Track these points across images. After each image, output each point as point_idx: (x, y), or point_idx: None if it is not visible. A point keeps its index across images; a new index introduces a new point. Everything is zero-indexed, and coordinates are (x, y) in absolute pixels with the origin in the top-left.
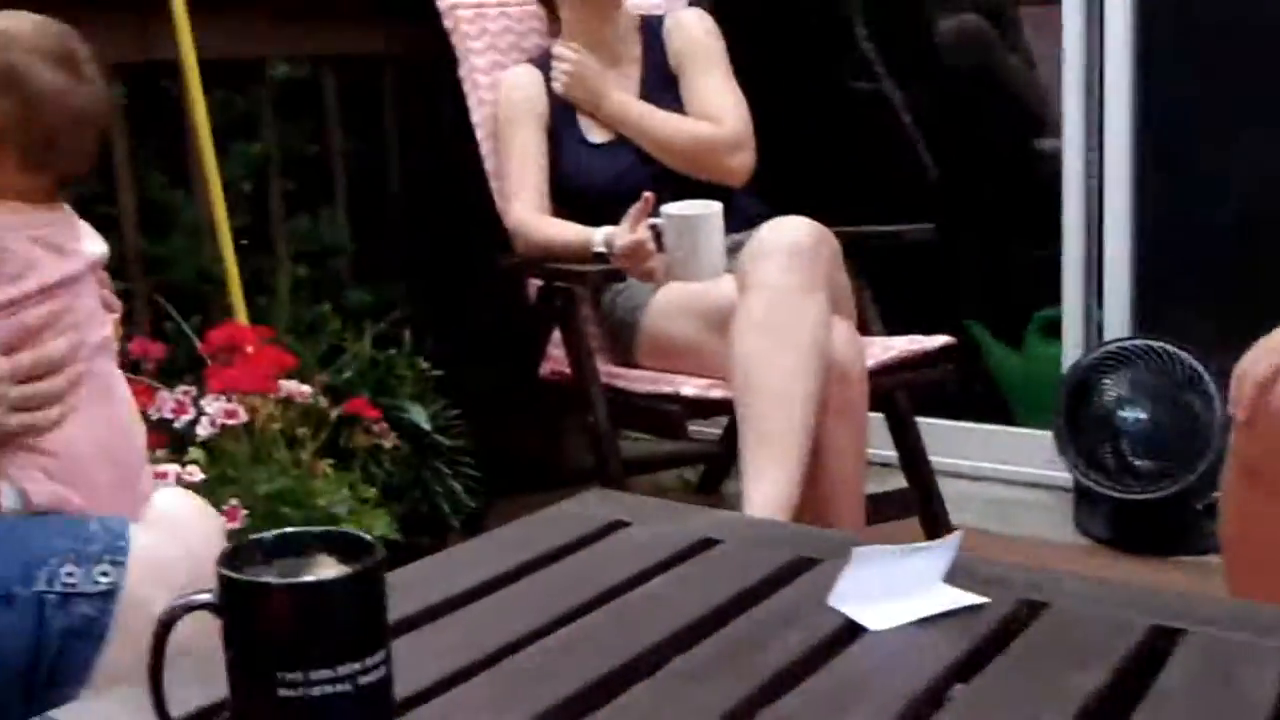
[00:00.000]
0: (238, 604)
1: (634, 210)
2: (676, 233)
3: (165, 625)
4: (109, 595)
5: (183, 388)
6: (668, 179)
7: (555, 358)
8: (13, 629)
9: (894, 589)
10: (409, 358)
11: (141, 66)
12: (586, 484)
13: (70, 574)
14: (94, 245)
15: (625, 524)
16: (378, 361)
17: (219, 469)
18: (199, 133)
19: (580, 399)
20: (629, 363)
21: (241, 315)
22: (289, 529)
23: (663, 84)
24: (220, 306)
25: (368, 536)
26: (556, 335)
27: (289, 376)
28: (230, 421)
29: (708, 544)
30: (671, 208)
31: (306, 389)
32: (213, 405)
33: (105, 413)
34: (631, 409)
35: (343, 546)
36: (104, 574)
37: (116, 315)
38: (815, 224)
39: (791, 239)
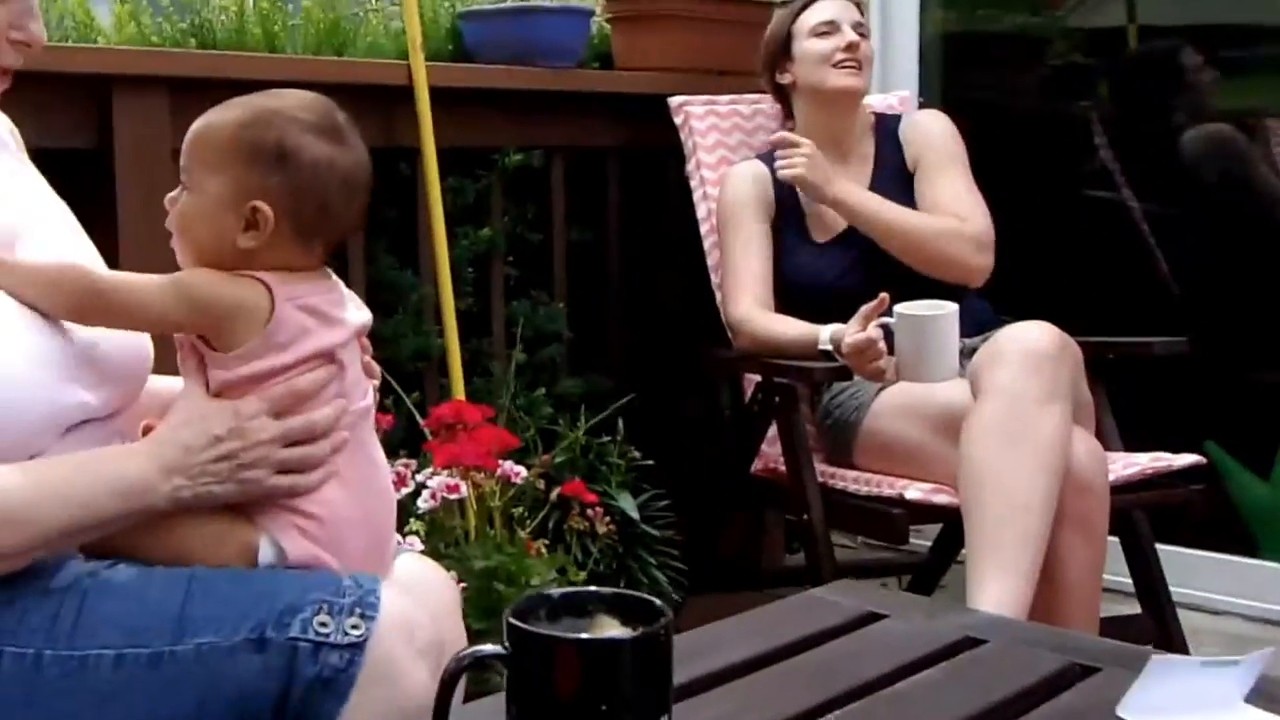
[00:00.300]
0: (527, 657)
1: (867, 308)
2: (909, 333)
3: (454, 675)
4: (358, 648)
5: (403, 460)
6: (892, 279)
7: (768, 455)
8: (264, 673)
9: (1192, 704)
10: (620, 446)
11: (381, 151)
12: (788, 586)
13: (323, 624)
14: (358, 314)
15: (880, 616)
16: (589, 448)
17: (436, 542)
18: (432, 216)
19: (793, 498)
20: (845, 463)
21: (460, 394)
22: (576, 588)
23: (896, 184)
24: (436, 385)
25: (656, 601)
26: (771, 432)
27: (506, 457)
28: (452, 495)
29: (971, 643)
30: (905, 307)
31: (522, 470)
32: (434, 479)
33: (364, 479)
34: (848, 510)
35: (626, 608)
36: (354, 626)
37: (376, 382)
38: (1058, 331)
39: (1033, 345)
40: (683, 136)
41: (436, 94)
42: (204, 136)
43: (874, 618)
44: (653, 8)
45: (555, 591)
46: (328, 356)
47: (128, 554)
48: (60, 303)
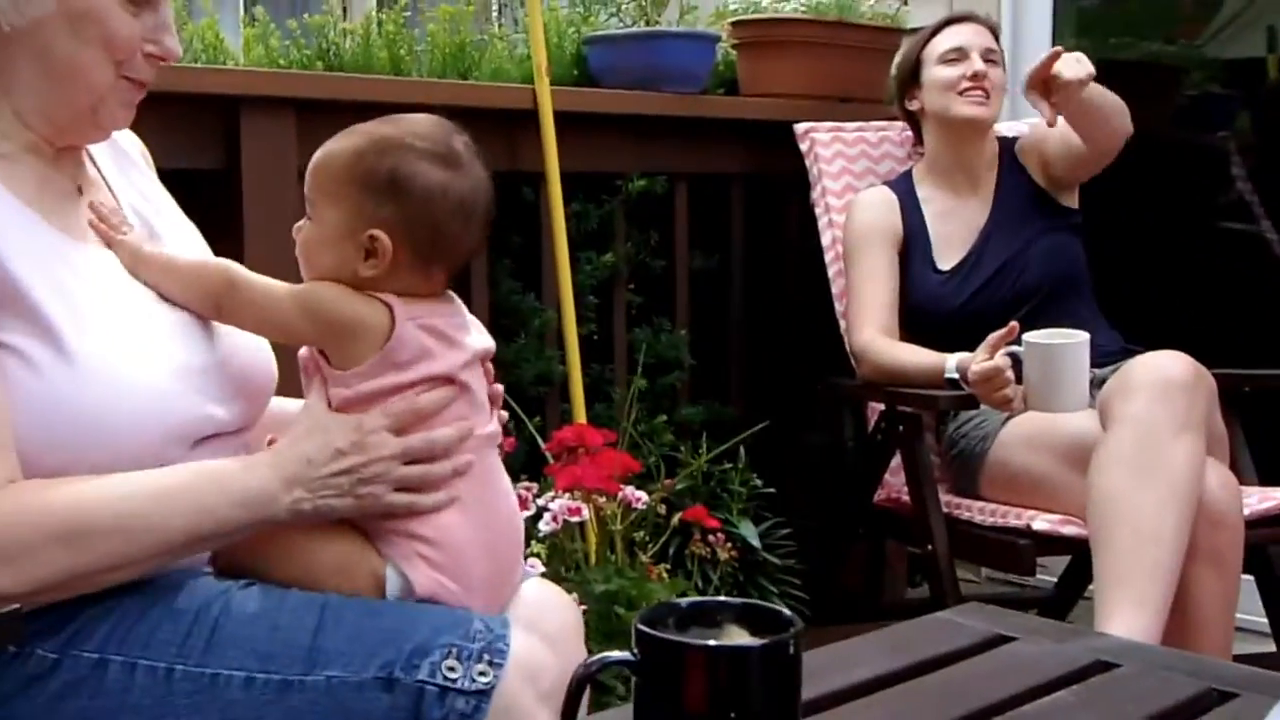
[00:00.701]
0: (656, 663)
1: (994, 337)
2: (1038, 361)
3: (582, 681)
4: (484, 694)
5: (525, 484)
6: (1017, 307)
7: (891, 485)
8: (390, 712)
9: None
10: (743, 473)
11: (505, 175)
12: (910, 618)
13: (451, 668)
14: (480, 338)
15: (1009, 639)
16: (711, 475)
17: (557, 565)
18: (555, 241)
19: (917, 528)
20: (970, 493)
21: (581, 419)
22: (705, 598)
23: (1019, 204)
24: (558, 410)
25: (785, 611)
26: (894, 462)
27: (627, 482)
28: (573, 518)
29: (1103, 666)
30: (1034, 336)
31: (643, 495)
32: (556, 502)
33: (487, 505)
34: (974, 541)
35: (754, 618)
36: (482, 673)
37: (499, 407)
38: (1192, 361)
39: (1167, 375)
40: (808, 163)
41: (561, 118)
42: (323, 166)
43: (1002, 640)
44: (778, 34)
45: (684, 601)
46: (448, 379)
47: (259, 575)
48: (199, 295)
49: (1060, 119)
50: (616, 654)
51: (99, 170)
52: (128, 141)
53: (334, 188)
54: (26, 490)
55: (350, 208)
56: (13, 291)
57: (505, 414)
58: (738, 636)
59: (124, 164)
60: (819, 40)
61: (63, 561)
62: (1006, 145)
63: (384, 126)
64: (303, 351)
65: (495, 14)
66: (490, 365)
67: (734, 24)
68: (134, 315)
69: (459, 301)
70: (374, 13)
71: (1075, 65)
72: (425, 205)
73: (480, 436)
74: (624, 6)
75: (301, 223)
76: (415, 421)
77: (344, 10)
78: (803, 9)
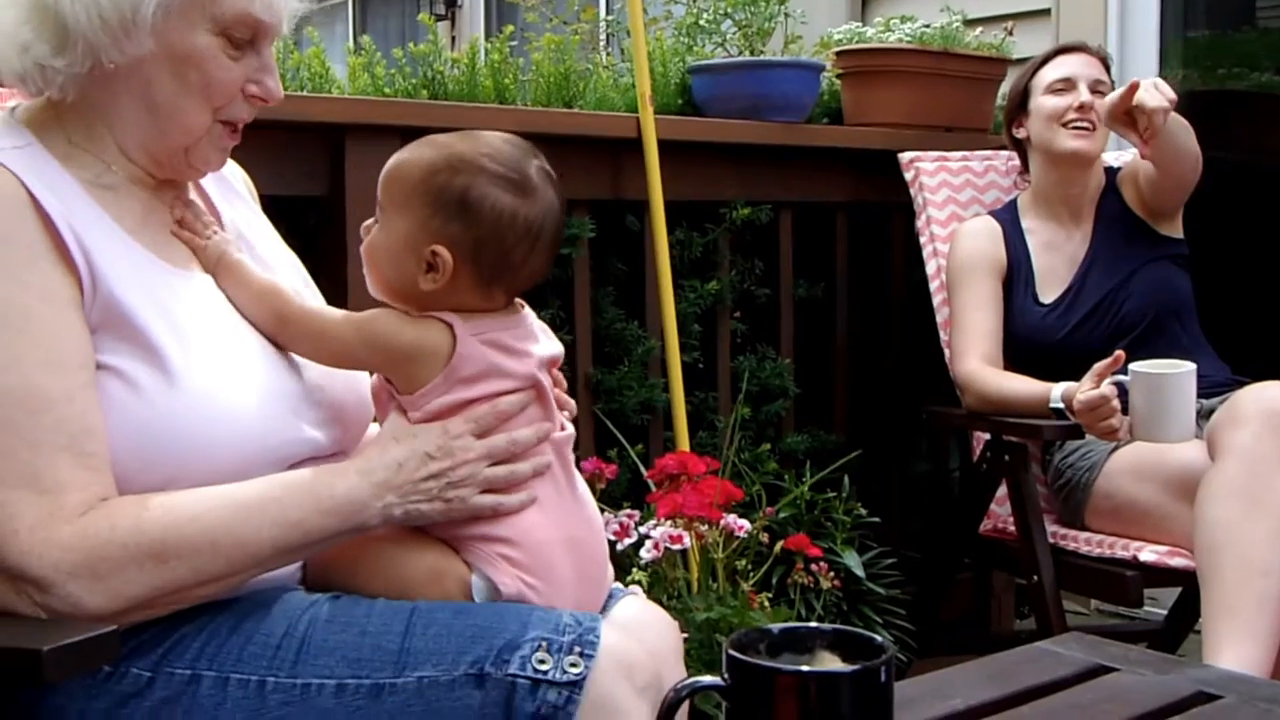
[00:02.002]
0: (747, 688)
1: (1100, 365)
2: (1145, 391)
3: (673, 705)
4: (576, 686)
5: (627, 511)
6: (1120, 339)
7: (997, 514)
8: (482, 708)
9: None
10: (846, 502)
11: (609, 203)
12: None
13: (542, 661)
14: (548, 345)
15: (1110, 669)
16: (814, 504)
17: (659, 593)
18: (659, 269)
19: (1023, 559)
20: (1076, 524)
21: (684, 447)
22: (797, 624)
23: (1118, 231)
24: (660, 438)
25: (877, 638)
26: (1000, 492)
27: (729, 510)
28: (675, 546)
29: (1205, 698)
30: (1140, 365)
31: (745, 523)
32: (657, 529)
33: (565, 505)
34: (1081, 572)
35: (847, 645)
36: (573, 664)
37: (570, 413)
38: None
39: (1274, 405)
40: (913, 192)
41: (665, 147)
42: (396, 175)
43: (1103, 670)
44: (883, 64)
45: (776, 626)
46: (517, 389)
47: (351, 590)
48: (258, 318)
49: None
50: (707, 678)
51: (204, 198)
52: (231, 171)
53: (403, 198)
54: (118, 508)
55: (416, 220)
56: (119, 315)
57: (572, 409)
58: (829, 663)
59: (228, 193)
60: (924, 70)
61: (153, 579)
62: (1110, 175)
63: (461, 142)
64: (373, 380)
65: (603, 43)
66: (559, 372)
67: (839, 54)
68: (233, 340)
69: (525, 310)
70: (480, 41)
71: (1155, 93)
72: (493, 228)
73: (557, 440)
74: (729, 36)
75: (370, 222)
76: (496, 424)
77: (452, 40)
78: (908, 39)
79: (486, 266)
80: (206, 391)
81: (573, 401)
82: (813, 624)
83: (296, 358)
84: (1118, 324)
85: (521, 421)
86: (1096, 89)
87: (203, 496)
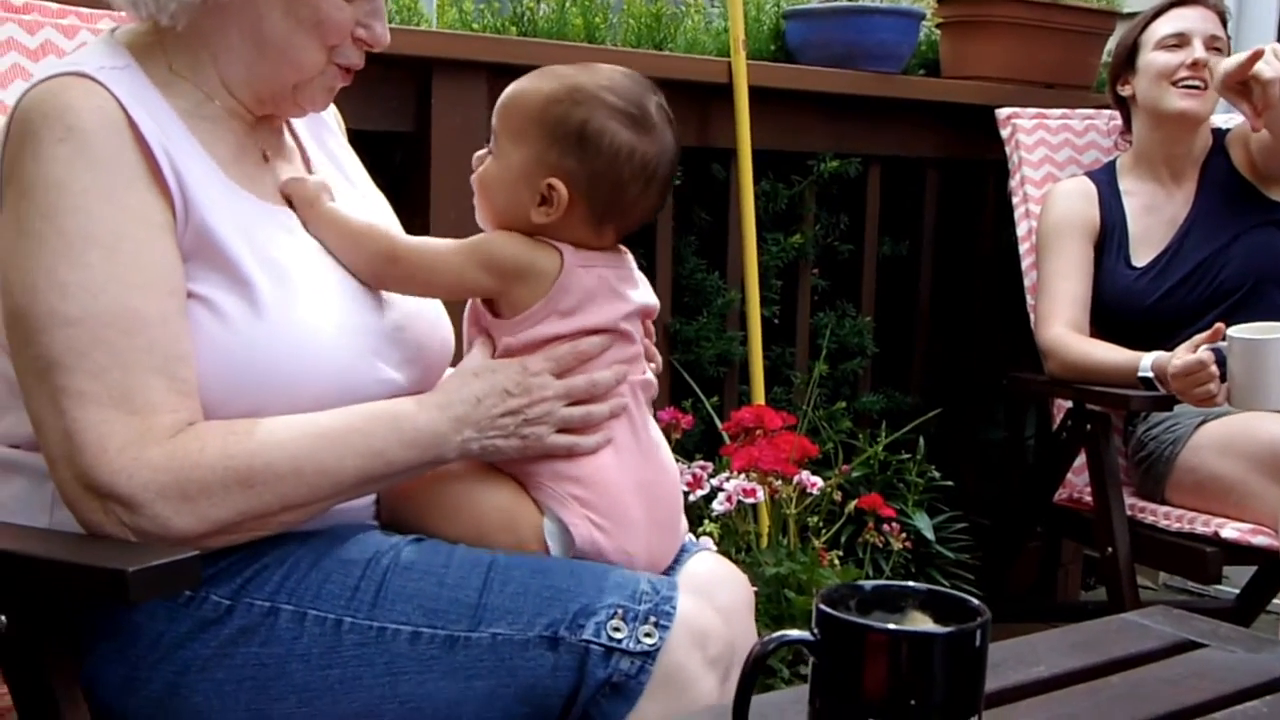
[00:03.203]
0: (836, 646)
1: (1199, 338)
2: (1244, 357)
3: (759, 659)
4: (650, 656)
5: (700, 463)
6: (1214, 306)
7: (1073, 484)
8: (554, 671)
9: None
10: (920, 464)
11: (696, 151)
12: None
13: (617, 629)
14: (645, 294)
15: (1198, 645)
16: (888, 464)
17: (729, 545)
18: (743, 221)
19: (1098, 530)
20: (1155, 497)
21: (760, 401)
22: (888, 581)
23: (1222, 198)
24: (736, 391)
25: (972, 600)
26: (1078, 462)
27: (803, 466)
28: (747, 499)
29: None
30: (1239, 330)
31: (819, 480)
32: (731, 482)
33: (639, 448)
34: (1157, 546)
35: (939, 606)
36: (648, 635)
37: (656, 367)
38: None
39: None
40: (1008, 150)
41: (755, 94)
42: (514, 104)
43: (1191, 645)
44: (986, 14)
45: (867, 584)
46: (609, 329)
47: (426, 530)
48: (360, 260)
49: None
50: (795, 633)
51: (293, 135)
52: None
53: (520, 128)
54: (206, 432)
55: (533, 151)
56: (210, 244)
57: (658, 363)
58: (921, 623)
59: (318, 128)
60: (1028, 21)
61: (239, 503)
62: (1217, 136)
63: (580, 74)
64: (469, 307)
65: None
66: (650, 325)
67: (941, 2)
68: (320, 279)
69: (629, 255)
70: None
71: (1277, 63)
72: (609, 164)
73: (634, 382)
74: None
75: (483, 152)
76: (576, 364)
77: None
78: None
79: (600, 202)
80: (293, 326)
81: (659, 356)
82: (906, 583)
83: (383, 297)
84: (1215, 289)
85: (601, 364)
86: (1212, 45)
87: (289, 423)
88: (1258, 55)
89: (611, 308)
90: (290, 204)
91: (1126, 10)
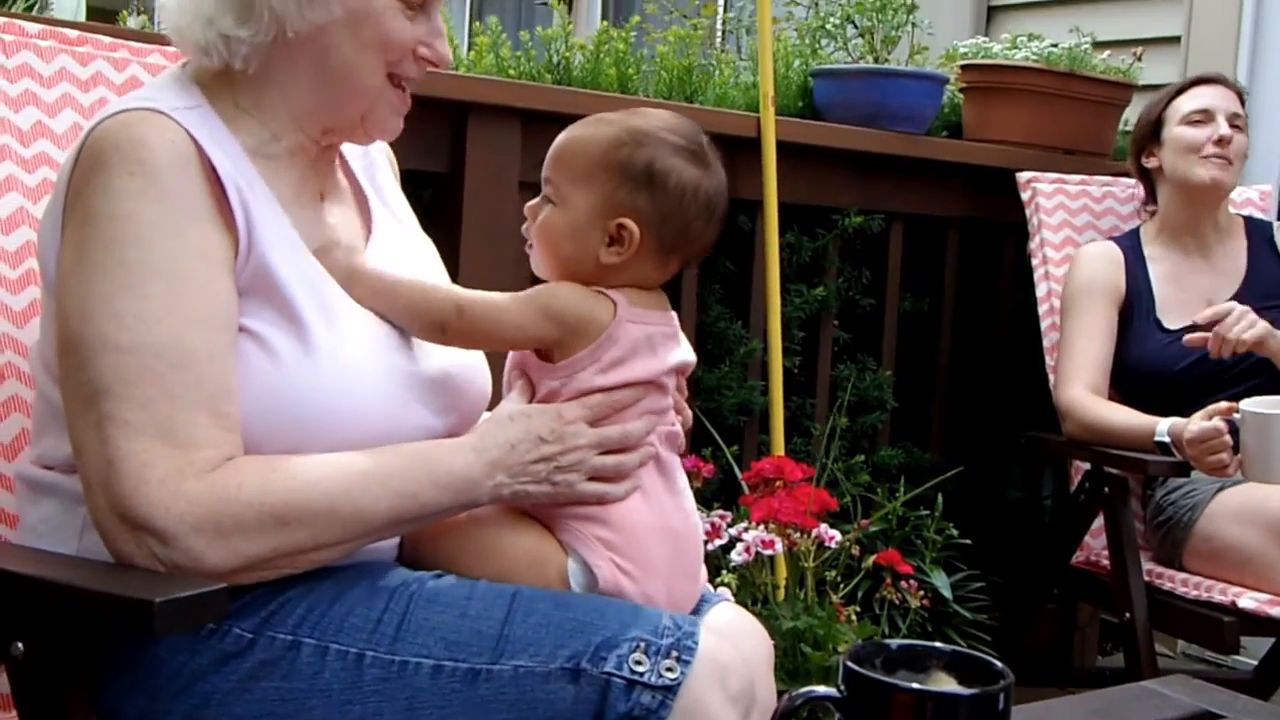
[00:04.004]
0: (863, 703)
1: (1214, 408)
2: (1257, 431)
3: (786, 714)
4: (671, 690)
5: (719, 511)
6: (1247, 377)
7: (1091, 547)
8: (575, 704)
9: None
10: (938, 521)
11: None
12: (1100, 689)
13: (638, 662)
14: (685, 352)
15: (1217, 717)
16: (906, 520)
17: (746, 597)
18: (768, 271)
19: (1116, 595)
20: (1173, 563)
21: (779, 451)
22: (913, 641)
23: (1269, 286)
24: (756, 440)
25: (996, 662)
26: (1096, 524)
27: (822, 519)
28: (766, 551)
29: None
30: (1253, 403)
31: (837, 533)
32: (750, 533)
33: (665, 493)
34: (1174, 614)
35: (963, 668)
36: (669, 669)
37: (685, 420)
38: None
39: None
40: (1028, 213)
41: (782, 148)
42: (574, 150)
43: (1211, 717)
44: (1008, 81)
45: (893, 642)
46: (646, 384)
47: (450, 570)
48: (424, 322)
49: None
50: (823, 689)
51: (348, 174)
52: (376, 147)
53: (586, 172)
54: (245, 468)
55: (602, 194)
56: (269, 281)
57: (687, 417)
58: (945, 683)
59: (370, 167)
60: (1048, 90)
61: (273, 540)
62: (1259, 229)
63: (635, 118)
64: (514, 354)
65: (719, 38)
66: (684, 379)
67: (964, 67)
68: (368, 323)
69: (674, 315)
70: (607, 28)
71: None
72: (678, 200)
73: (664, 434)
74: (852, 41)
75: (536, 202)
76: (611, 414)
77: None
78: (1034, 58)
79: (668, 237)
80: (340, 368)
81: (690, 411)
82: (930, 643)
83: (422, 346)
84: (1247, 362)
85: (634, 414)
86: (1234, 123)
87: (327, 462)
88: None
89: (652, 363)
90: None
91: (1142, 83)
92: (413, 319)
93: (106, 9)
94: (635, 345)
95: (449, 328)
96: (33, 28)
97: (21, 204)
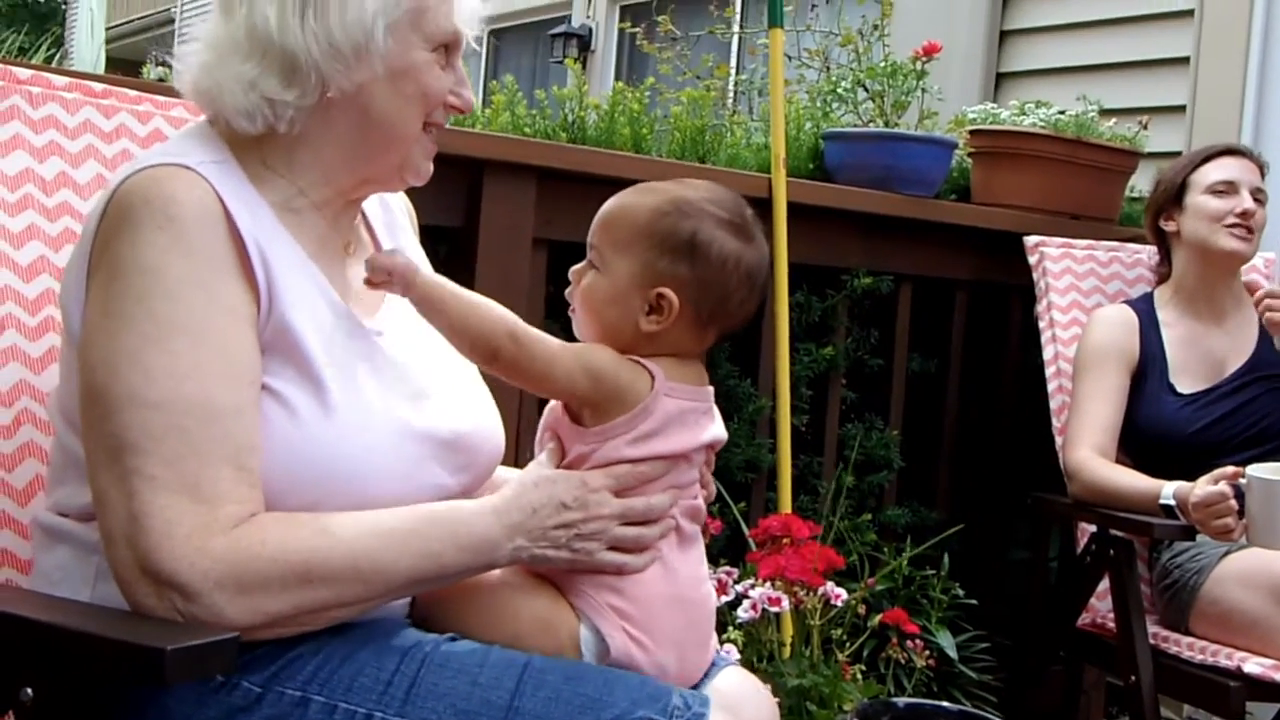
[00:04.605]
0: None
1: (1220, 472)
2: (1262, 496)
3: None
4: None
5: (725, 568)
6: (1258, 443)
7: (1096, 609)
8: None
9: None
10: (944, 581)
11: None
12: None
13: None
14: (717, 429)
15: None
16: (912, 579)
17: (751, 654)
18: (777, 331)
19: (1121, 658)
20: (1178, 627)
21: (786, 509)
22: (920, 700)
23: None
24: (763, 498)
25: None
26: (1102, 586)
27: (828, 577)
28: (773, 608)
29: None
30: (1259, 469)
31: (843, 592)
32: (756, 590)
33: (681, 565)
34: (1180, 678)
35: None
36: None
37: (708, 494)
38: None
39: None
40: (1035, 276)
41: (793, 209)
42: (619, 217)
43: None
44: (1015, 146)
45: (900, 700)
46: (676, 458)
47: (461, 631)
48: (479, 333)
49: None
50: None
51: (369, 229)
52: (396, 201)
53: (629, 240)
54: (268, 525)
55: (643, 262)
56: (288, 339)
57: (711, 491)
58: None
59: (392, 224)
60: (1055, 156)
61: (294, 597)
62: None
63: (681, 189)
64: (551, 412)
65: (731, 100)
66: (712, 454)
67: (972, 133)
68: (389, 381)
69: (710, 390)
70: (622, 88)
71: None
72: (719, 271)
73: (685, 506)
74: (863, 105)
75: (581, 266)
76: (636, 485)
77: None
78: (1042, 124)
79: (707, 308)
80: (358, 427)
81: (714, 485)
82: (938, 702)
83: (451, 402)
84: (1260, 429)
85: (659, 487)
86: (1256, 196)
87: (350, 521)
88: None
89: (685, 438)
90: (368, 283)
91: (1148, 150)
92: (464, 334)
93: (128, 59)
94: (669, 419)
95: (501, 353)
96: (59, 80)
97: (43, 252)
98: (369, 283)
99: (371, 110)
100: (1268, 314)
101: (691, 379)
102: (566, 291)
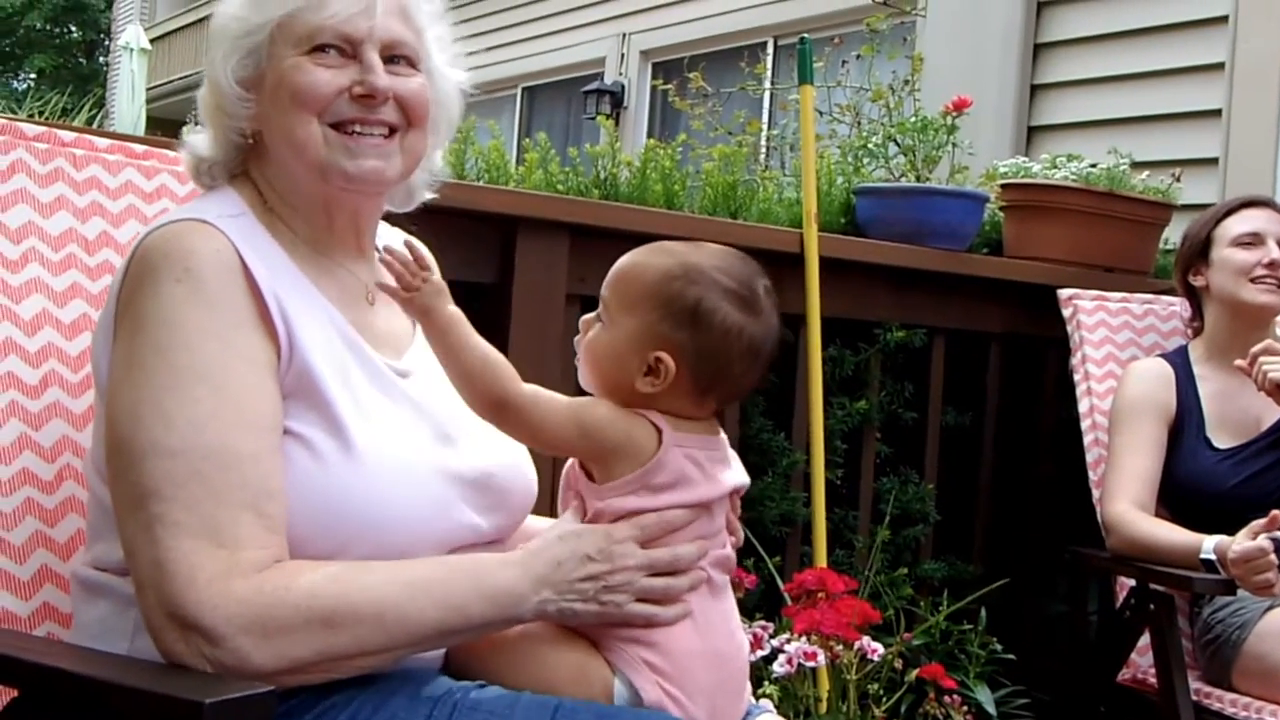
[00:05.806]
0: None
1: (1259, 523)
2: None
3: None
4: None
5: (761, 623)
6: None
7: (1137, 664)
8: None
9: None
10: (981, 636)
11: None
12: None
13: None
14: (736, 475)
15: None
16: (950, 634)
17: (788, 709)
18: (811, 385)
19: (1163, 714)
20: (1222, 683)
21: (822, 563)
22: None
23: None
24: (798, 552)
25: None
26: (1142, 642)
27: (865, 631)
28: (809, 663)
29: None
30: None
31: (879, 646)
32: (792, 644)
33: (713, 616)
34: None
35: None
36: None
37: (736, 541)
38: None
39: None
40: (1069, 329)
41: (825, 264)
42: (629, 276)
43: None
44: (1048, 200)
45: None
46: (698, 507)
47: (495, 682)
48: (482, 389)
49: None
50: None
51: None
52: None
53: (634, 300)
54: (294, 570)
55: (645, 323)
56: (310, 384)
57: (739, 538)
58: None
59: None
60: (1088, 209)
61: (318, 643)
62: None
63: (695, 253)
64: (568, 467)
65: (763, 155)
66: (738, 500)
67: (1004, 186)
68: (413, 423)
69: (723, 435)
70: (654, 144)
71: None
72: (719, 342)
73: (715, 558)
74: (894, 160)
75: (591, 317)
76: (662, 535)
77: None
78: (1074, 177)
79: (705, 377)
80: (384, 471)
81: (742, 532)
82: None
83: (478, 444)
84: None
85: (685, 536)
86: None
87: (375, 569)
88: None
89: (702, 489)
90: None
91: (1181, 203)
92: (473, 381)
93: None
94: (684, 472)
95: (509, 405)
96: (102, 142)
97: (85, 310)
98: (385, 264)
99: (271, 129)
100: (1269, 375)
101: (701, 430)
102: (575, 340)
